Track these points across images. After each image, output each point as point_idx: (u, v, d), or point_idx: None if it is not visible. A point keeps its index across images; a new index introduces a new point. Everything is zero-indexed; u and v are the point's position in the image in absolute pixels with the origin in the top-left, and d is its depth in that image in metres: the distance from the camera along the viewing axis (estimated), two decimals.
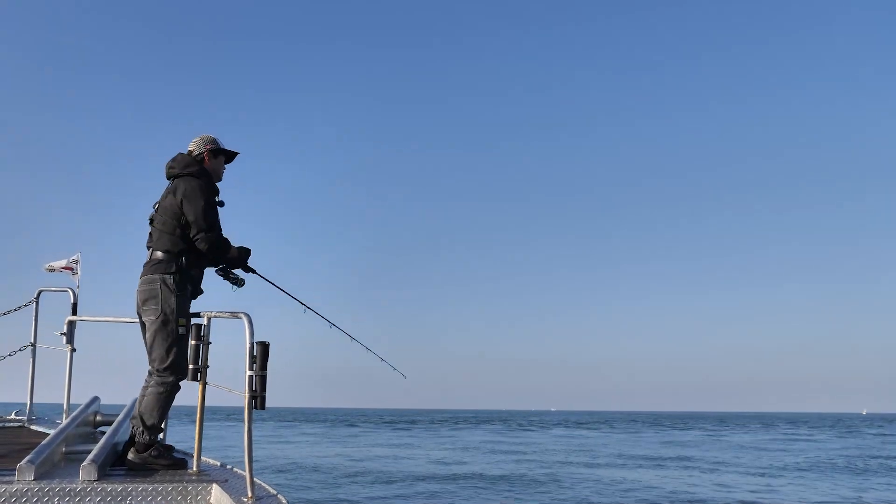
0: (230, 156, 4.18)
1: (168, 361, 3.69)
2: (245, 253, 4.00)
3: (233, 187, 4.36)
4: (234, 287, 3.99)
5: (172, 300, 3.70)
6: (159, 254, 3.77)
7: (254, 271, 4.05)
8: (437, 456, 25.59)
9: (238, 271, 4.01)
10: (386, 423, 67.15)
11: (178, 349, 3.70)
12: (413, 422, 70.97)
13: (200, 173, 3.93)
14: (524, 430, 53.52)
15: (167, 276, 3.73)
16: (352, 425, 58.74)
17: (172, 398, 3.77)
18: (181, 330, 3.71)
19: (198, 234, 3.75)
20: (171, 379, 3.71)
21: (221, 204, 4.03)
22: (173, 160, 4.00)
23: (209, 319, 3.76)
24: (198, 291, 3.96)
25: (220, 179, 4.11)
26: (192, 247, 3.79)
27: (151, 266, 3.78)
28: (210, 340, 3.78)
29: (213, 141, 4.08)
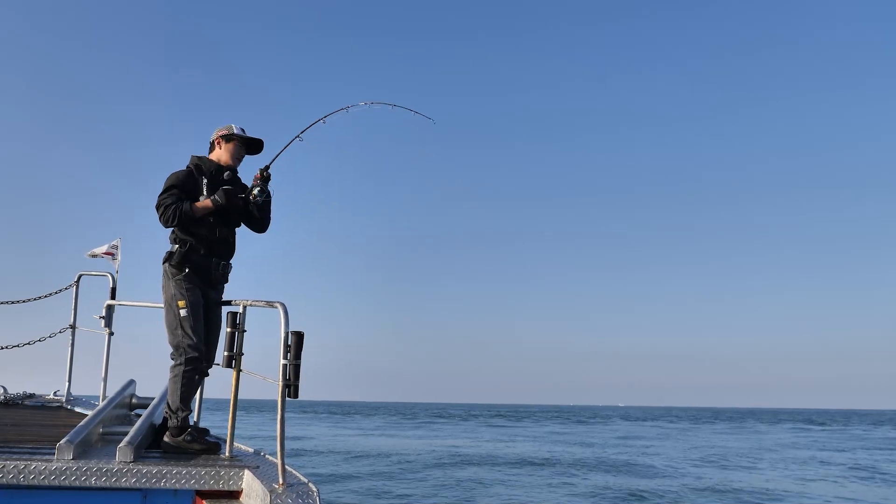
0: (251, 144, 4.14)
1: (174, 345, 3.84)
2: (222, 196, 3.91)
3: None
4: (262, 196, 4.01)
5: (171, 286, 3.89)
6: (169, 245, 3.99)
7: (262, 184, 4.02)
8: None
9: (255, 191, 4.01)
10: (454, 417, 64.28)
11: (181, 332, 3.81)
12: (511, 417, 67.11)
13: (188, 164, 4.03)
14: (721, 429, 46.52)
15: (166, 265, 3.93)
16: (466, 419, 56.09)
17: (191, 380, 3.80)
18: (182, 312, 3.81)
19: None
20: (179, 361, 3.79)
21: (233, 183, 4.02)
22: None
23: (245, 308, 3.80)
24: (214, 278, 3.98)
25: (232, 164, 4.09)
26: (190, 234, 3.90)
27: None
28: (245, 329, 3.82)
29: (228, 128, 4.12)
